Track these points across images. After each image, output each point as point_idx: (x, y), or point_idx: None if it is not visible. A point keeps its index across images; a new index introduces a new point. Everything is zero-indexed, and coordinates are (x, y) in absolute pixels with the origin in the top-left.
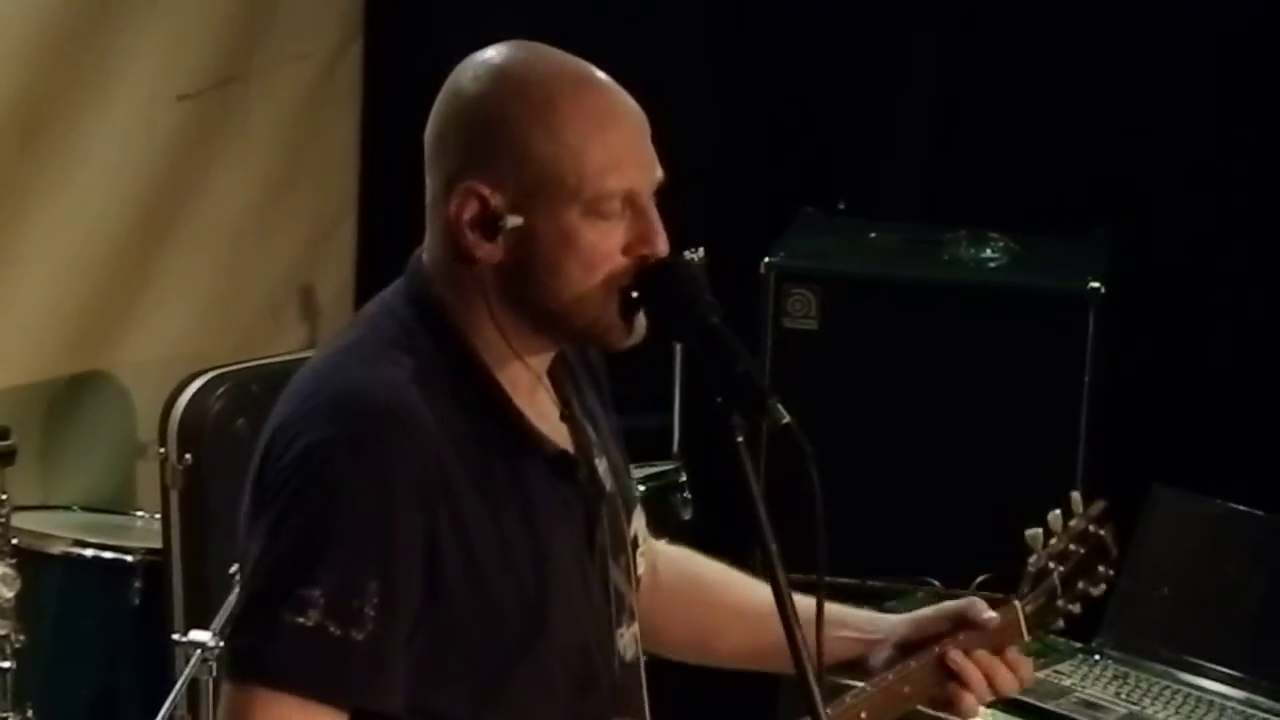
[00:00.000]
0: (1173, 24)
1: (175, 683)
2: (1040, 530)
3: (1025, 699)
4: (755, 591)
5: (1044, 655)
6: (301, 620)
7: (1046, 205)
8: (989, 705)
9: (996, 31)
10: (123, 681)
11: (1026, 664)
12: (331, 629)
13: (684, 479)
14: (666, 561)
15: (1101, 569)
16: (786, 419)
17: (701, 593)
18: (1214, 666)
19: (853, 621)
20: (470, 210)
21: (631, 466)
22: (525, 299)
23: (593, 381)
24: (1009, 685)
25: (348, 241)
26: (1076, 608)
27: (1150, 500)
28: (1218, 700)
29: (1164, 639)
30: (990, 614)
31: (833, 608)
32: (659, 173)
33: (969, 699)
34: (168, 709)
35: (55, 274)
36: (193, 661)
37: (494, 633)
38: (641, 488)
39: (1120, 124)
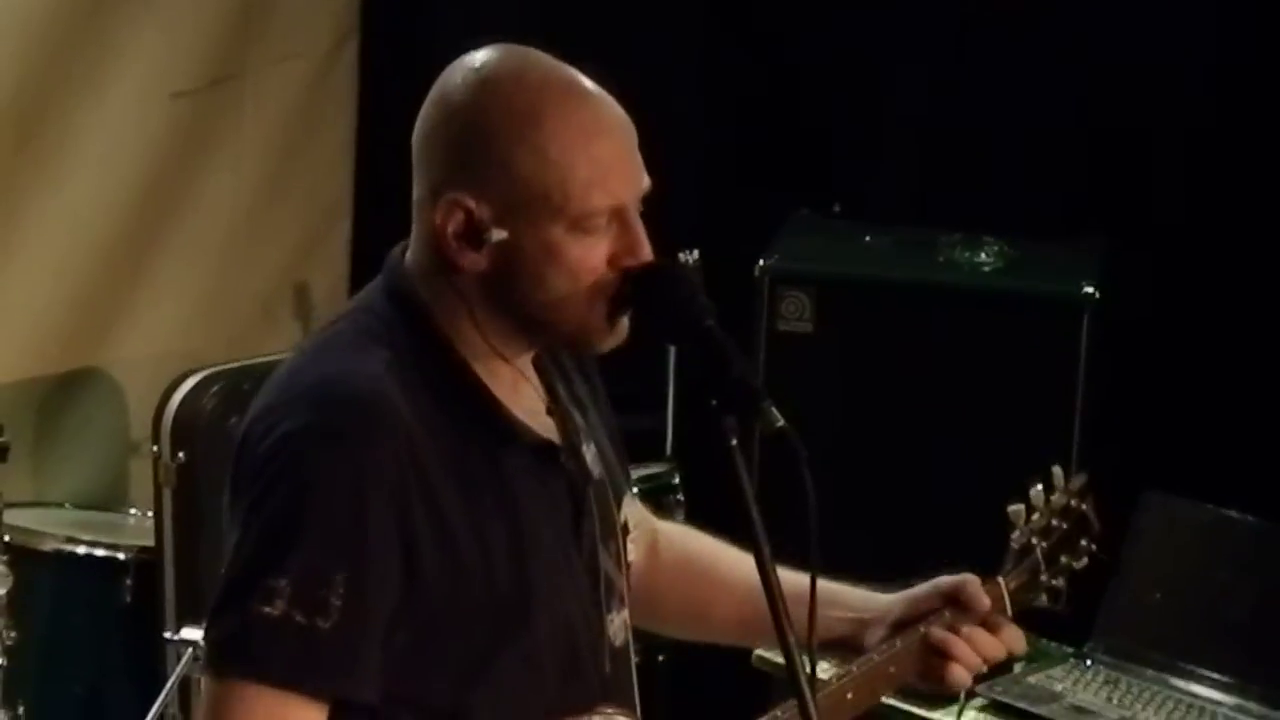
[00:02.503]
0: (1169, 26)
1: (167, 680)
2: (1022, 506)
3: (1016, 704)
4: (750, 567)
5: (1035, 660)
6: (269, 610)
7: (1041, 209)
8: (981, 709)
9: (992, 34)
10: (114, 679)
11: (1014, 631)
12: (297, 618)
13: (677, 481)
14: (666, 539)
15: (1084, 543)
16: (781, 422)
17: (698, 568)
18: (1205, 672)
19: (845, 600)
20: (455, 222)
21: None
22: (508, 306)
23: (581, 371)
24: (995, 650)
25: (342, 240)
26: (1060, 582)
27: (1142, 505)
28: (1209, 706)
29: (1156, 644)
30: (984, 599)
31: (827, 585)
32: (646, 181)
33: (956, 670)
34: (159, 707)
35: (49, 271)
36: (184, 659)
37: (477, 622)
38: (634, 489)
39: (1116, 128)
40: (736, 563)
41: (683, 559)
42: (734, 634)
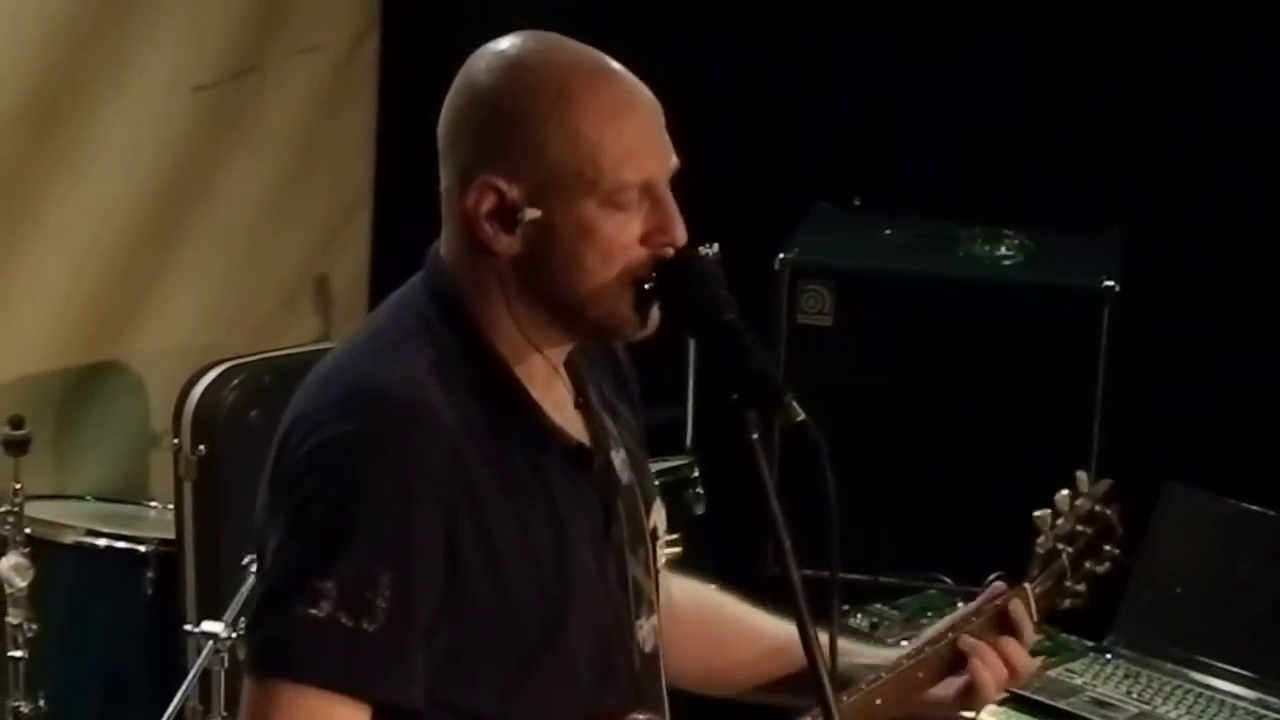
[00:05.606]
0: (1186, 22)
1: (187, 673)
2: (1048, 511)
3: (1036, 697)
4: (767, 625)
5: (1056, 654)
6: (314, 612)
7: (1062, 203)
8: (1001, 703)
9: (1013, 28)
10: (135, 671)
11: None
12: (343, 620)
13: (697, 474)
14: (682, 592)
15: (1108, 548)
16: (801, 416)
17: (715, 622)
18: (1225, 666)
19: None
20: (487, 203)
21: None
22: (543, 291)
23: (614, 374)
24: (1021, 660)
25: (363, 233)
26: (1084, 588)
27: (1163, 498)
28: (1229, 700)
29: (1176, 638)
30: (1028, 623)
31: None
32: (675, 161)
33: (985, 675)
34: (179, 700)
35: (70, 264)
36: (205, 652)
37: (516, 626)
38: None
39: (1136, 123)
40: (753, 621)
41: (700, 613)
42: (747, 690)
